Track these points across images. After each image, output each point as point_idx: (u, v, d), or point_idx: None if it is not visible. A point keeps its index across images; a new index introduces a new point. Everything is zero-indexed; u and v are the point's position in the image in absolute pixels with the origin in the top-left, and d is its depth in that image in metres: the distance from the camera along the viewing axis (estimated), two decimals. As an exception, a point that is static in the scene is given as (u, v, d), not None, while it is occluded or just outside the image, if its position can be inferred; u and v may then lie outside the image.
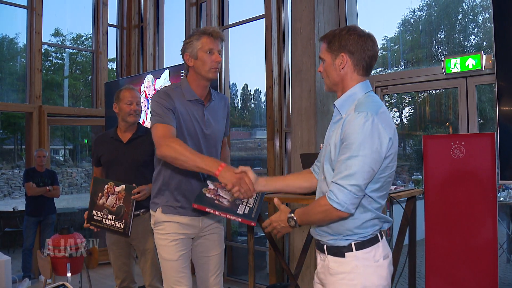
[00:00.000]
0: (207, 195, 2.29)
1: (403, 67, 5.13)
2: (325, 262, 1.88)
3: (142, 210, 3.31)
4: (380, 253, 1.83)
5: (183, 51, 2.55)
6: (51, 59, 15.04)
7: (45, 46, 8.17)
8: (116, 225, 3.16)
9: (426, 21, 5.07)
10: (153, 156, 2.99)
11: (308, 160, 2.75)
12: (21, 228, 6.02)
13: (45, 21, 6.58)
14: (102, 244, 6.98)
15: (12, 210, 9.19)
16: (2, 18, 7.86)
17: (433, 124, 6.86)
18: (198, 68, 2.50)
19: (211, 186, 2.32)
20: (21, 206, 6.20)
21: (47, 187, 5.83)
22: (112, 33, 7.39)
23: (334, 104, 1.90)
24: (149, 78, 5.10)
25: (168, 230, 2.54)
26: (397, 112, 8.80)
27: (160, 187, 2.59)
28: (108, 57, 7.36)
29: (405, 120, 8.91)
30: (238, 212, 2.26)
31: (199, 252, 2.69)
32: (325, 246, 1.87)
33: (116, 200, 3.16)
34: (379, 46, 5.85)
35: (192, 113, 2.51)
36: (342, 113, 1.85)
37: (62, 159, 22.08)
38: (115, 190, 3.16)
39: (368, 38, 1.87)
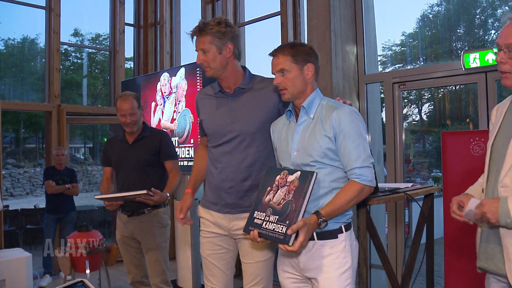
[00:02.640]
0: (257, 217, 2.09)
1: (422, 63, 5.07)
2: (313, 248, 2.07)
3: (148, 208, 3.39)
4: (353, 234, 2.16)
5: None
6: (70, 58, 15.20)
7: (65, 46, 8.25)
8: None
9: (445, 16, 5.01)
10: (158, 155, 3.36)
11: None
12: (42, 226, 6.08)
13: (64, 22, 6.64)
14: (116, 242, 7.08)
15: (33, 207, 9.34)
16: (23, 19, 7.96)
17: (453, 120, 6.78)
18: None
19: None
20: (42, 204, 6.27)
21: (66, 185, 5.90)
22: (129, 32, 7.42)
23: (303, 106, 2.12)
24: (165, 76, 5.11)
25: (202, 227, 2.57)
26: (416, 109, 8.71)
27: (204, 182, 2.68)
28: (126, 56, 7.40)
29: (424, 117, 8.81)
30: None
31: (239, 256, 2.56)
32: (314, 232, 2.03)
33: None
34: (398, 42, 5.89)
35: None
36: (309, 114, 2.12)
37: (83, 158, 22.33)
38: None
39: (314, 50, 2.18)
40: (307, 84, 2.11)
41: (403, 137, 4.41)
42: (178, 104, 4.96)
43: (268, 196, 2.07)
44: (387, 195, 2.47)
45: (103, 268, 4.93)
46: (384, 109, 4.57)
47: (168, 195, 3.33)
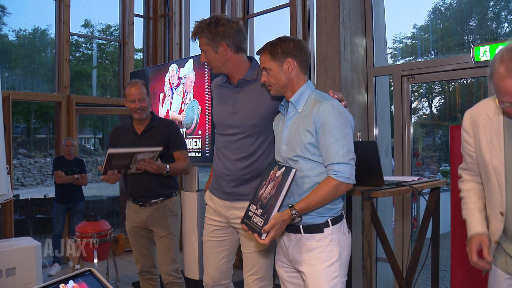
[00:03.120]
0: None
1: (433, 56, 5.02)
2: (300, 241, 2.11)
3: (160, 198, 3.40)
4: (345, 227, 2.17)
5: None
6: (81, 49, 15.24)
7: (75, 37, 8.28)
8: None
9: (457, 9, 4.95)
10: (167, 146, 3.29)
11: None
12: (52, 215, 6.14)
13: (74, 12, 6.67)
14: (125, 232, 7.13)
15: (43, 197, 9.42)
16: (34, 10, 8.00)
17: (463, 114, 6.73)
18: None
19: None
20: (52, 194, 6.33)
21: (75, 175, 5.94)
22: (139, 23, 7.44)
23: (290, 101, 2.17)
24: (173, 67, 5.12)
25: (206, 214, 2.70)
26: (427, 102, 8.64)
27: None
28: (135, 47, 7.42)
29: (434, 110, 8.74)
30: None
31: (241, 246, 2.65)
32: (300, 226, 2.10)
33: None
34: (409, 34, 5.84)
35: None
36: (297, 108, 2.15)
37: (92, 148, 22.48)
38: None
39: (302, 42, 2.18)
40: (291, 79, 2.15)
41: (412, 130, 4.39)
42: (186, 95, 4.95)
43: (261, 190, 2.13)
44: (392, 188, 2.46)
45: (111, 257, 4.97)
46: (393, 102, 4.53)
47: (168, 168, 3.23)
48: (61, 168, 5.93)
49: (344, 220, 2.18)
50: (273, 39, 2.20)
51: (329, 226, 2.08)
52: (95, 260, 4.63)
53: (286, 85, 2.15)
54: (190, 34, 2.56)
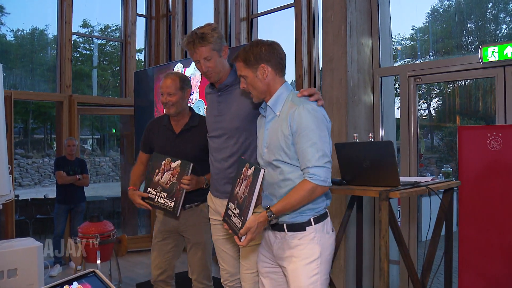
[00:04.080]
0: None
1: (431, 57, 5.02)
2: (284, 238, 2.16)
3: (195, 204, 3.10)
4: (329, 226, 2.20)
5: None
6: (80, 50, 15.19)
7: (75, 37, 8.26)
8: (167, 203, 2.90)
9: (456, 10, 4.96)
10: (206, 150, 2.84)
11: (343, 149, 2.73)
12: (52, 215, 6.08)
13: (75, 12, 6.61)
14: (129, 232, 7.09)
15: (43, 197, 9.34)
16: (33, 10, 7.95)
17: (463, 115, 6.75)
18: None
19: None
20: (51, 194, 6.28)
21: (76, 176, 5.88)
22: (141, 23, 7.40)
23: (267, 105, 2.20)
24: (178, 67, 5.07)
25: (209, 215, 2.84)
26: (425, 104, 8.65)
27: None
28: (137, 47, 7.36)
29: (433, 112, 8.74)
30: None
31: None
32: (284, 225, 2.15)
33: (170, 176, 2.90)
34: (408, 36, 5.83)
35: None
36: (275, 111, 2.17)
37: (90, 149, 22.38)
38: (171, 166, 2.91)
39: (274, 44, 2.18)
40: (268, 84, 2.16)
41: (418, 131, 4.36)
42: (192, 95, 4.90)
43: (237, 187, 2.17)
44: (409, 188, 2.42)
45: (114, 258, 4.95)
46: (398, 103, 4.51)
47: (206, 179, 2.98)
48: (63, 168, 5.87)
49: (328, 218, 2.22)
50: (245, 44, 2.25)
51: (311, 225, 2.13)
52: (98, 261, 4.59)
53: (265, 90, 2.18)
54: (189, 41, 2.58)
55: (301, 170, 2.07)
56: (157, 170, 2.95)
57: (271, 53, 2.15)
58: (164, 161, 2.94)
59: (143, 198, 2.96)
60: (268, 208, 2.06)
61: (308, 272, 2.10)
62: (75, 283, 1.78)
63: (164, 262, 3.19)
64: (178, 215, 2.91)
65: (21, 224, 8.24)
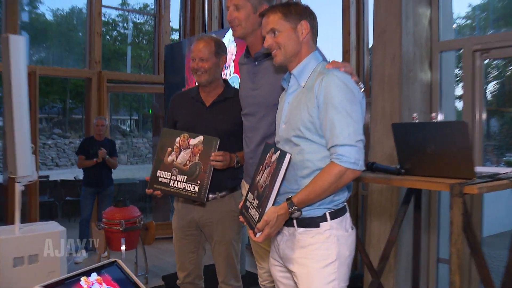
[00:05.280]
0: None
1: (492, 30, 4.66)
2: (293, 236, 1.88)
3: (223, 193, 2.71)
4: (349, 223, 1.91)
5: None
6: (118, 29, 15.15)
7: (113, 17, 8.03)
8: (189, 188, 2.52)
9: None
10: (241, 124, 2.55)
11: (403, 131, 2.34)
12: (80, 199, 5.90)
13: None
14: (159, 218, 6.87)
15: (73, 178, 9.27)
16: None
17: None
18: None
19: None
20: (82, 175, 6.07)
21: (94, 160, 5.61)
22: (175, -1, 7.14)
23: (292, 74, 1.95)
24: (211, 38, 4.75)
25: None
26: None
27: None
28: (172, 22, 7.14)
29: (489, 96, 8.25)
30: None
31: None
32: (294, 219, 1.85)
33: (190, 156, 2.54)
34: (463, 14, 5.39)
35: None
36: (300, 81, 1.92)
37: (128, 130, 22.56)
38: (190, 143, 2.54)
39: (312, 9, 1.98)
40: (301, 45, 1.93)
41: (484, 114, 3.85)
42: (226, 69, 4.58)
43: (258, 175, 1.94)
44: (488, 182, 1.96)
45: (140, 246, 4.73)
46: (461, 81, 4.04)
47: (238, 157, 2.63)
48: (90, 149, 5.67)
49: (347, 214, 1.93)
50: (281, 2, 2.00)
51: (327, 220, 1.84)
52: (123, 248, 4.36)
53: (296, 52, 1.93)
54: None
55: (328, 150, 1.79)
56: (169, 149, 2.57)
57: (311, 14, 1.95)
58: (179, 138, 2.56)
59: (152, 184, 2.59)
60: (289, 198, 1.78)
61: (323, 278, 1.83)
62: (94, 274, 1.76)
63: (189, 263, 2.83)
64: (205, 200, 2.54)
65: (50, 206, 8.16)
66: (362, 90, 1.85)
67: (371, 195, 3.97)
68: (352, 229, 1.92)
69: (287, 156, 1.74)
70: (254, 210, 1.86)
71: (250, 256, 2.61)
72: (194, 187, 2.50)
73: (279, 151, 1.82)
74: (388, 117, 3.90)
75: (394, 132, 2.33)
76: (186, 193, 2.53)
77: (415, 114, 2.62)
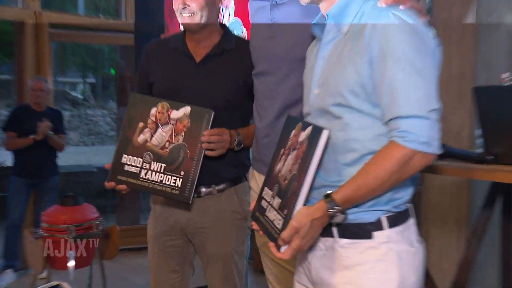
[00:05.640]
0: None
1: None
2: (333, 250, 1.83)
3: (222, 186, 2.70)
4: (415, 234, 1.87)
5: None
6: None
7: None
8: (168, 182, 2.46)
9: None
10: (247, 91, 2.60)
11: (490, 98, 2.36)
12: (8, 194, 5.95)
13: None
14: (126, 222, 6.87)
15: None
16: None
17: None
18: None
19: None
20: (10, 161, 6.09)
21: (31, 137, 5.60)
22: None
23: (326, 16, 1.90)
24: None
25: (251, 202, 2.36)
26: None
27: None
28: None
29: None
30: None
31: None
32: (333, 226, 1.81)
33: (171, 135, 2.47)
34: None
35: None
36: (341, 26, 1.86)
37: (81, 97, 22.71)
38: (171, 116, 2.47)
39: None
40: None
41: None
42: (225, 11, 4.70)
43: (279, 163, 1.92)
44: None
45: (98, 262, 4.67)
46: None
47: (239, 136, 2.62)
48: (24, 122, 5.65)
49: (413, 220, 1.89)
50: None
51: (382, 229, 1.79)
52: (70, 265, 4.28)
53: None
54: None
55: (385, 124, 1.73)
56: (140, 124, 2.47)
57: None
58: (155, 109, 2.50)
59: (114, 175, 2.52)
60: (328, 194, 1.72)
61: None
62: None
63: (170, 286, 2.83)
64: (191, 201, 2.46)
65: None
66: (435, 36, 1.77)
67: (428, 192, 4.02)
68: (419, 243, 1.85)
69: (324, 133, 1.68)
70: (275, 212, 1.82)
71: (256, 275, 2.61)
72: (175, 180, 2.43)
73: (311, 127, 1.77)
74: (456, 81, 3.95)
75: (477, 101, 2.31)
76: (164, 188, 2.45)
77: (505, 75, 2.58)
